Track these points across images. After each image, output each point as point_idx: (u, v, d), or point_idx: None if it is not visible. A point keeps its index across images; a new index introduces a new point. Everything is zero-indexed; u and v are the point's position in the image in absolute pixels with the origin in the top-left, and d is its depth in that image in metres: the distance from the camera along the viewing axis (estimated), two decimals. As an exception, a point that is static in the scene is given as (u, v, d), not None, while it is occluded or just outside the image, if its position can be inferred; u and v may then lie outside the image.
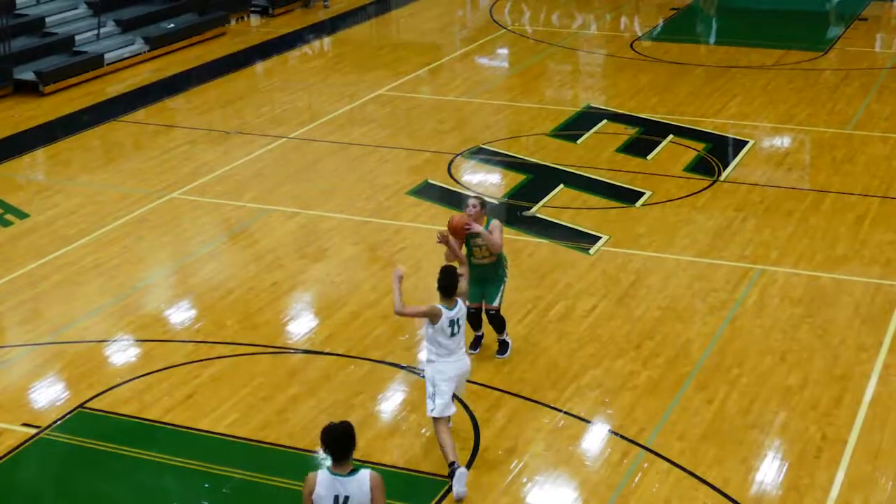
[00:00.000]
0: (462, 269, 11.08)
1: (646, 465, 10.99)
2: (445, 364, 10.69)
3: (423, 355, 11.93)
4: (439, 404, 10.61)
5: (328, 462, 8.08)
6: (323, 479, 7.99)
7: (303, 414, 11.84)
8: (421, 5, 30.56)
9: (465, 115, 21.55)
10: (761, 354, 12.88)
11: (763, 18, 29.09)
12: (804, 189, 17.51)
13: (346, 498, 7.94)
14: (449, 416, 10.78)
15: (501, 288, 12.66)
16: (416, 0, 30.97)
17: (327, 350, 13.08)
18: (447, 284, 10.64)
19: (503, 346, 12.92)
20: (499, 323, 12.81)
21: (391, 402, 12.26)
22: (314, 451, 11.16)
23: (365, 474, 8.02)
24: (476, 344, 12.91)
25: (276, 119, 21.31)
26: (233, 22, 28.92)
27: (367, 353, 12.98)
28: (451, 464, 10.53)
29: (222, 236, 16.36)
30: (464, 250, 11.82)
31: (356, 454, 8.22)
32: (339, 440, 8.00)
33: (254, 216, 16.86)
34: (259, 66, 25.58)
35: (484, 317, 12.75)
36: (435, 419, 10.66)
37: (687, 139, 19.70)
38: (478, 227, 12.11)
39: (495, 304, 12.64)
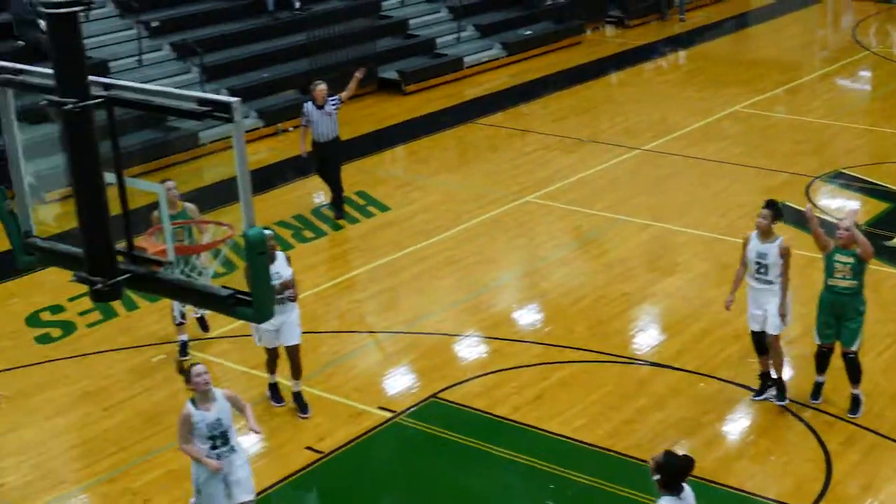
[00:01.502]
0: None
1: None
2: None
3: None
4: None
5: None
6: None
7: (650, 426, 11.76)
8: (780, 22, 29.83)
9: (824, 137, 20.84)
10: None
11: None
12: None
13: None
14: None
15: (860, 326, 11.65)
16: (776, 17, 30.24)
17: (677, 365, 12.92)
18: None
19: (856, 404, 11.87)
20: (856, 371, 11.78)
21: (739, 423, 11.99)
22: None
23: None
24: (817, 393, 12.08)
25: (630, 130, 21.27)
26: (588, 31, 29.09)
27: (717, 372, 12.75)
28: None
29: (573, 243, 16.45)
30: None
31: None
32: (677, 475, 8.09)
33: (605, 225, 16.86)
34: (614, 77, 25.62)
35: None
36: None
37: None
38: (849, 224, 11.44)
39: (854, 346, 11.65)
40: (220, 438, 9.31)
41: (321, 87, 16.55)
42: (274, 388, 12.23)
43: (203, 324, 13.53)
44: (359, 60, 23.35)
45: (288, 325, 11.60)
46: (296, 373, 11.96)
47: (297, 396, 12.04)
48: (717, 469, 10.98)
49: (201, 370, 9.30)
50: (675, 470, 8.09)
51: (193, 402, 9.32)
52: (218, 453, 9.31)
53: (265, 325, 11.32)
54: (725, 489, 10.70)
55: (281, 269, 11.47)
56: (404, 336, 13.71)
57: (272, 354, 11.94)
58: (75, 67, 6.23)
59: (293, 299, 11.59)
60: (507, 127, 21.90)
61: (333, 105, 16.58)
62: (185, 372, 9.38)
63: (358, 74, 17.12)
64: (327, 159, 16.97)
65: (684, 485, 8.14)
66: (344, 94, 16.81)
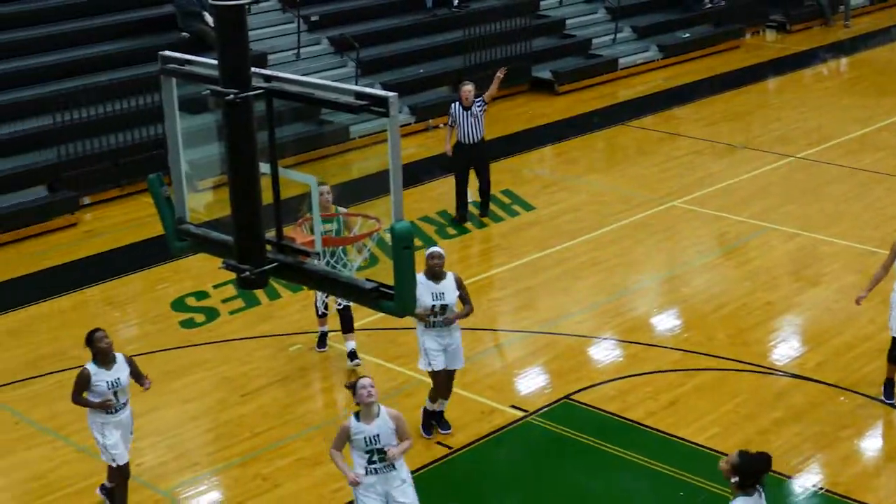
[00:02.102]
0: None
1: None
2: None
3: None
4: None
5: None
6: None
7: (786, 438, 11.60)
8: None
9: None
10: None
11: None
12: None
13: None
14: None
15: None
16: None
17: (816, 377, 12.72)
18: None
19: None
20: None
21: (878, 440, 11.79)
22: (787, 476, 10.95)
23: None
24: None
25: (784, 137, 20.95)
26: (748, 36, 28.69)
27: (858, 387, 12.50)
28: None
29: (718, 249, 16.30)
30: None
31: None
32: (755, 475, 8.01)
33: (752, 233, 16.67)
34: (771, 82, 25.24)
35: None
36: None
37: None
38: None
39: None
40: (378, 454, 9.12)
41: (467, 88, 16.56)
42: (440, 416, 11.80)
43: (352, 356, 13.13)
44: (513, 59, 23.57)
45: (455, 348, 11.30)
46: (447, 394, 11.59)
47: (442, 415, 11.79)
48: (855, 485, 10.77)
49: (367, 383, 9.15)
50: (752, 469, 7.95)
51: (357, 415, 9.17)
52: (375, 468, 9.14)
53: (432, 346, 11.10)
54: (864, 507, 10.52)
55: (447, 290, 11.13)
56: (541, 336, 13.76)
57: (440, 379, 11.42)
58: (239, 59, 6.40)
59: (449, 322, 11.15)
60: (658, 130, 21.76)
61: (479, 107, 16.58)
62: (351, 385, 9.26)
63: (499, 74, 17.03)
64: (471, 161, 16.96)
65: (758, 486, 8.02)
66: (486, 95, 16.80)
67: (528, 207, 17.85)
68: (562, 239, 16.59)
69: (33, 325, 14.44)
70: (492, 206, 17.60)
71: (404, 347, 13.37)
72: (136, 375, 10.30)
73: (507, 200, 18.06)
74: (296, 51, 22.51)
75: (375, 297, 6.73)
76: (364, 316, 13.74)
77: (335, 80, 7.55)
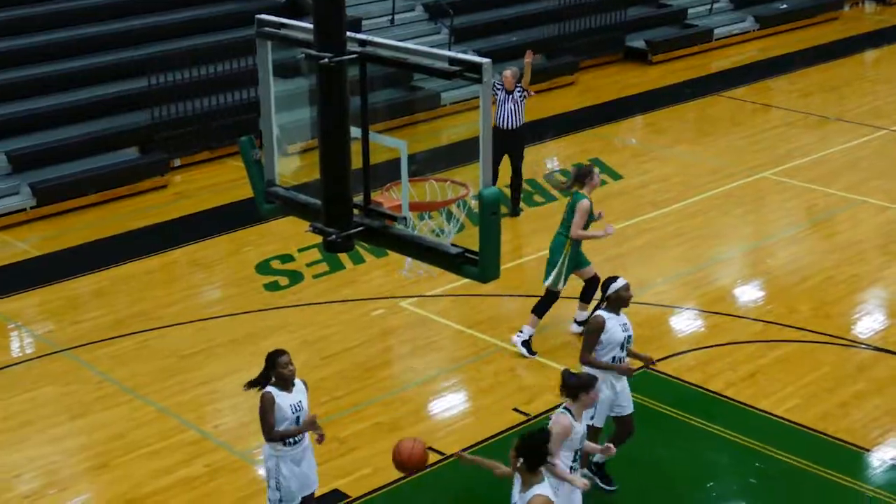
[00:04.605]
0: None
1: None
2: None
3: None
4: None
5: None
6: None
7: (866, 412, 11.55)
8: None
9: None
10: None
11: None
12: None
13: None
14: None
15: None
16: None
17: (901, 351, 12.69)
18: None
19: None
20: None
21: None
22: (865, 449, 10.96)
23: None
24: None
25: (878, 110, 20.70)
26: (847, 7, 28.28)
27: (943, 362, 12.43)
28: None
29: (806, 222, 16.23)
30: None
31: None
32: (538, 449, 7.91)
33: (842, 206, 16.56)
34: (868, 55, 24.90)
35: None
36: None
37: None
38: None
39: None
40: (577, 455, 8.93)
41: (507, 73, 16.02)
42: (600, 470, 10.59)
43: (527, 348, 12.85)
44: (607, 28, 23.55)
45: (626, 390, 10.31)
46: (624, 439, 10.40)
47: (601, 468, 10.58)
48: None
49: (595, 389, 8.89)
50: (534, 446, 7.92)
51: (571, 412, 8.84)
52: (573, 466, 8.90)
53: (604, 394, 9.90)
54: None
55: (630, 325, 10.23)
56: (625, 304, 13.84)
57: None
58: (335, 23, 6.46)
59: (629, 374, 10.23)
60: (751, 101, 21.60)
61: (520, 93, 16.03)
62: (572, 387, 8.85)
63: (527, 59, 16.52)
64: (507, 148, 16.10)
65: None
66: (524, 82, 16.22)
67: (616, 177, 17.89)
68: (648, 209, 16.60)
69: (119, 286, 14.71)
70: (579, 175, 17.59)
71: (484, 314, 13.56)
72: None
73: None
74: (390, 17, 22.68)
75: (460, 263, 6.85)
76: (447, 282, 13.98)
77: (429, 47, 7.62)
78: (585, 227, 12.51)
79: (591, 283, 12.86)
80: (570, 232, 12.48)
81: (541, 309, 12.79)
